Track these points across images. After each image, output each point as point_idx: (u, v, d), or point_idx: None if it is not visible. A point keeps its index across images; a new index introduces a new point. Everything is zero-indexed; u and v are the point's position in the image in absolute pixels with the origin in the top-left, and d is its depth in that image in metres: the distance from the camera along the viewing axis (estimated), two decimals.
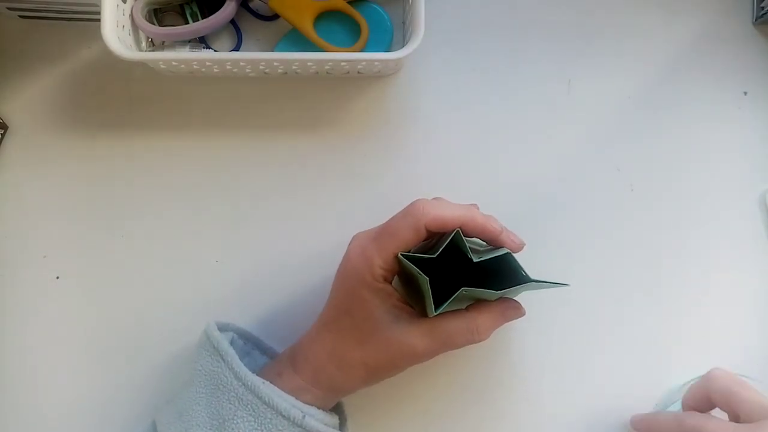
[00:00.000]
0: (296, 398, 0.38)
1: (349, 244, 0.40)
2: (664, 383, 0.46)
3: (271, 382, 0.38)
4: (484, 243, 0.42)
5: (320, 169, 0.49)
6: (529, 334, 0.43)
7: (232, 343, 0.42)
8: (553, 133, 0.50)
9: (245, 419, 0.37)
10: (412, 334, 0.38)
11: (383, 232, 0.38)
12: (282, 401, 0.37)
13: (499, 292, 0.37)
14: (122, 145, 0.49)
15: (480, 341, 0.39)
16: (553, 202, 0.49)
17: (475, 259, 0.37)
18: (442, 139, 0.49)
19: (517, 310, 0.40)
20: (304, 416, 0.37)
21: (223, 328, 0.43)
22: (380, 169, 0.49)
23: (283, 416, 0.37)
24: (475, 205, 0.44)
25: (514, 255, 0.39)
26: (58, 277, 0.47)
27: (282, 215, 0.48)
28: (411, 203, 0.39)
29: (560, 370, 0.47)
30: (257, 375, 0.38)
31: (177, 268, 0.48)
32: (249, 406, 0.37)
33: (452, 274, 0.40)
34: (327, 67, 0.47)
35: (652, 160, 0.49)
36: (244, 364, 0.40)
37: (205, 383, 0.39)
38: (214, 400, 0.38)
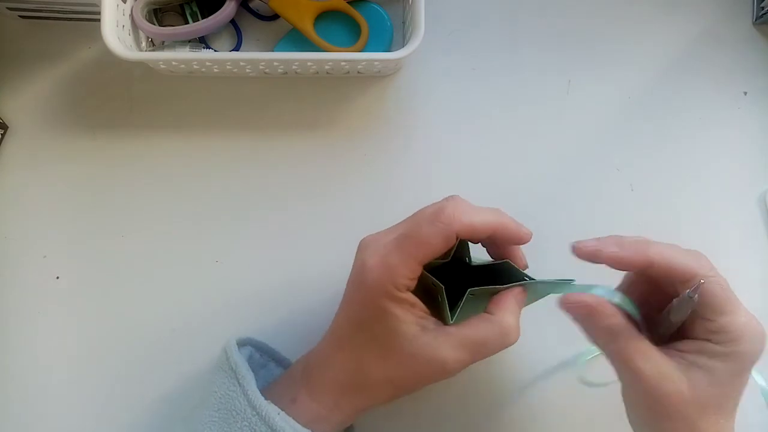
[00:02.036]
0: (312, 430, 0.35)
1: (362, 252, 0.37)
2: None
3: (285, 410, 0.36)
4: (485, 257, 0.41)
5: (320, 168, 0.49)
6: (529, 335, 0.43)
7: (249, 357, 0.41)
8: (553, 133, 0.50)
9: None
10: (441, 348, 0.35)
11: (409, 239, 0.35)
12: None
13: (506, 286, 0.36)
14: (122, 145, 0.49)
15: (513, 343, 0.36)
16: (553, 202, 0.49)
17: (473, 264, 0.36)
18: (442, 139, 0.49)
19: (525, 293, 0.38)
20: None
21: (241, 343, 0.41)
22: (380, 169, 0.49)
23: None
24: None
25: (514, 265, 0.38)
26: (58, 277, 0.47)
27: (282, 215, 0.48)
28: (438, 207, 0.35)
29: (562, 373, 0.47)
30: (269, 396, 0.36)
31: (176, 268, 0.47)
32: None
33: (455, 283, 0.39)
34: (327, 67, 0.47)
35: (652, 160, 0.49)
36: (260, 377, 0.39)
37: (218, 406, 0.37)
38: (226, 426, 0.36)
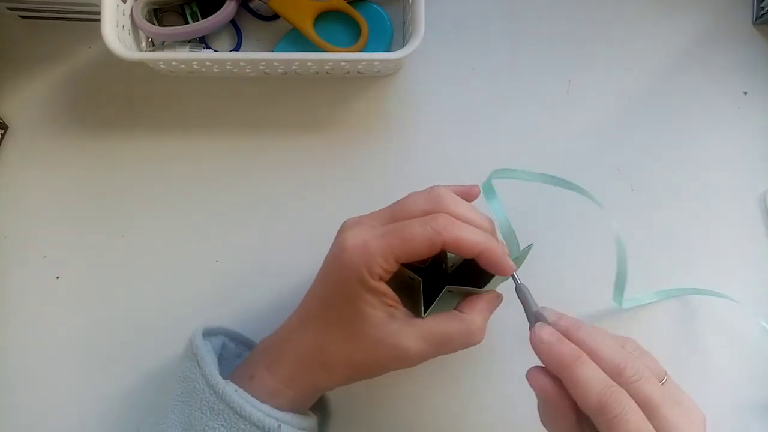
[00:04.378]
0: (270, 405, 0.35)
1: (343, 233, 0.37)
2: None
3: (243, 388, 0.36)
4: None
5: (320, 168, 0.49)
6: (524, 332, 0.43)
7: (224, 347, 0.42)
8: (553, 133, 0.50)
9: (217, 430, 0.35)
10: (406, 337, 0.35)
11: (395, 233, 0.35)
12: (255, 411, 0.35)
13: (483, 289, 0.37)
14: (122, 144, 0.49)
15: (478, 343, 0.37)
16: (552, 202, 0.49)
17: (450, 265, 0.37)
18: (442, 139, 0.49)
19: (498, 298, 0.39)
20: (279, 425, 0.35)
21: (213, 332, 0.42)
22: (380, 169, 0.49)
23: (257, 427, 0.34)
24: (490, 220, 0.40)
25: None
26: (58, 277, 0.47)
27: (282, 215, 0.48)
28: (434, 214, 0.35)
29: None
30: (229, 377, 0.37)
31: (177, 268, 0.47)
32: (221, 416, 0.35)
33: (431, 279, 0.39)
34: (327, 67, 0.47)
35: (652, 160, 0.49)
36: (235, 366, 0.39)
37: (180, 389, 0.37)
38: (187, 408, 0.36)
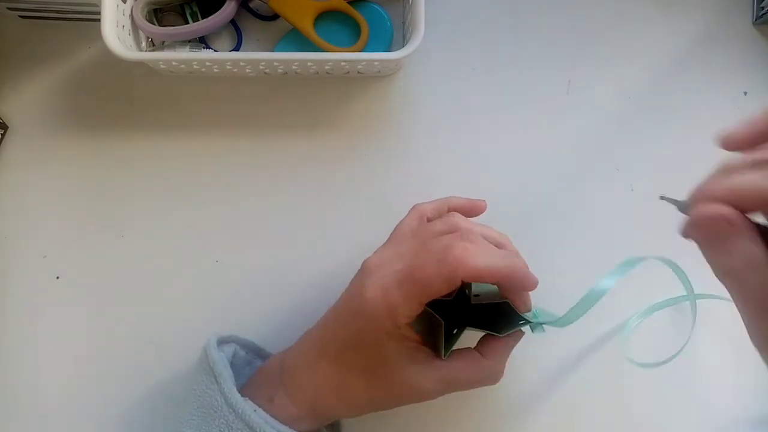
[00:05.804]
0: (289, 427, 0.36)
1: (364, 278, 0.37)
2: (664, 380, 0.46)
3: (262, 408, 0.36)
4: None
5: (320, 168, 0.49)
6: (528, 342, 0.43)
7: (234, 355, 0.42)
8: (553, 133, 0.50)
9: None
10: (426, 380, 0.36)
11: (412, 278, 0.35)
12: None
13: (502, 335, 0.38)
14: (122, 145, 0.49)
15: (496, 383, 0.39)
16: (552, 202, 0.49)
17: (474, 294, 0.37)
18: (442, 140, 0.49)
19: (519, 337, 0.40)
20: None
21: (225, 340, 0.42)
22: (380, 169, 0.49)
23: None
24: (506, 237, 0.41)
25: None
26: (58, 277, 0.47)
27: (281, 215, 0.48)
28: (447, 245, 0.35)
29: (559, 376, 0.47)
30: (246, 393, 0.37)
31: (177, 269, 0.47)
32: None
33: (454, 308, 0.39)
34: (327, 67, 0.47)
35: (652, 160, 0.49)
36: (245, 374, 0.39)
37: (197, 405, 0.37)
38: (204, 424, 0.36)
